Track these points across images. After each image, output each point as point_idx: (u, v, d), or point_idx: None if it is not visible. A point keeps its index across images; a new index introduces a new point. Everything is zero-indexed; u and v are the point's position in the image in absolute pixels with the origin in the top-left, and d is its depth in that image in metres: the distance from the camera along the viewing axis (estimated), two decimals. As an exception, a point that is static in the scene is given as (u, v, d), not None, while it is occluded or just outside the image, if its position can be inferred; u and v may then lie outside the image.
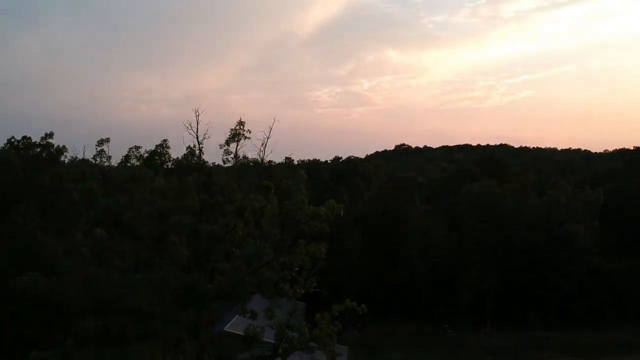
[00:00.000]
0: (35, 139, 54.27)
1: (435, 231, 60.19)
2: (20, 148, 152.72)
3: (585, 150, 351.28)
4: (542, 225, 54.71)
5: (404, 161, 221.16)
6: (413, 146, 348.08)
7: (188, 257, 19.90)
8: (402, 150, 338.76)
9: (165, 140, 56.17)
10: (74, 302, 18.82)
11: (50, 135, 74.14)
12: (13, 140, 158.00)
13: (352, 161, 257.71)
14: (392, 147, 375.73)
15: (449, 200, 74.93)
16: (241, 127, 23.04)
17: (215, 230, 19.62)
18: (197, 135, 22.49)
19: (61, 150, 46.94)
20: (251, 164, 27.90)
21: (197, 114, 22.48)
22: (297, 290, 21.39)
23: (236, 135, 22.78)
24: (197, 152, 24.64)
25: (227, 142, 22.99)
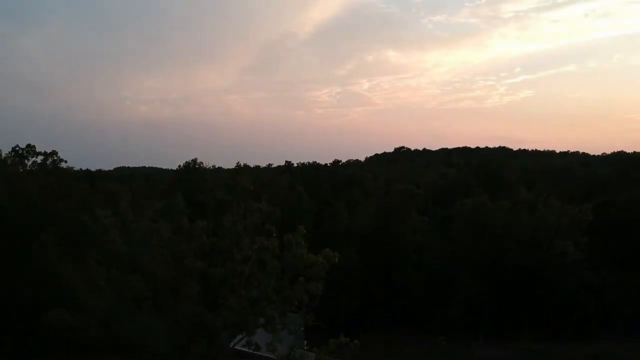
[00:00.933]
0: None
1: (429, 245, 62.35)
2: (25, 156, 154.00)
3: (584, 153, 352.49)
4: (533, 242, 56.87)
5: (403, 166, 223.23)
6: (412, 149, 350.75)
7: (198, 296, 22.01)
8: (402, 153, 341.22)
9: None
10: (96, 338, 20.90)
11: (56, 154, 76.90)
12: (17, 148, 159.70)
13: (351, 166, 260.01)
14: (391, 150, 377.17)
15: (444, 212, 77.34)
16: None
17: (224, 274, 21.71)
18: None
19: (71, 173, 48.91)
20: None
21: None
22: (297, 326, 23.43)
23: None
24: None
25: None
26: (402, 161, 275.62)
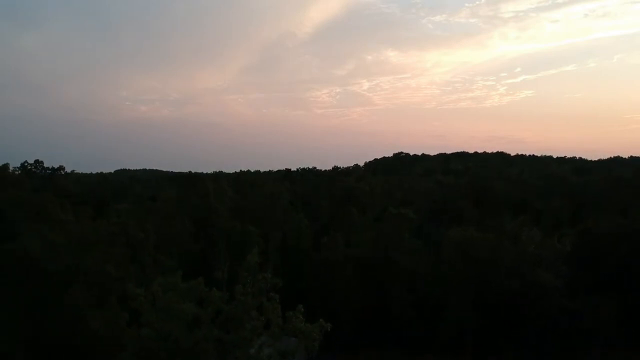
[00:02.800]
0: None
1: (422, 270, 67.06)
2: (34, 172, 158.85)
3: (580, 158, 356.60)
4: (515, 271, 61.54)
5: (401, 173, 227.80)
6: (411, 153, 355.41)
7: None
8: (400, 158, 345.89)
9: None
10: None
11: (62, 169, 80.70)
12: (26, 164, 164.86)
13: (350, 173, 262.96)
14: (390, 154, 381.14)
15: (437, 233, 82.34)
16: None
17: (236, 340, 26.34)
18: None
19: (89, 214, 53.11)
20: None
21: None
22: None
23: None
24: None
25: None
26: (400, 168, 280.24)
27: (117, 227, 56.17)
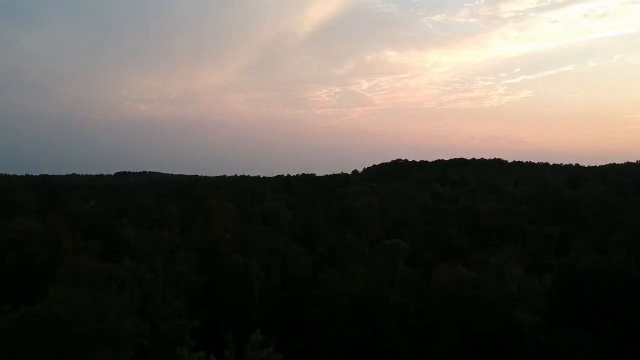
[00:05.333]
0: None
1: (411, 305, 71.80)
2: (39, 187, 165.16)
3: (577, 165, 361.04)
4: (498, 310, 66.23)
5: (399, 180, 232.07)
6: (410, 159, 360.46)
7: None
8: (399, 165, 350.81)
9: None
10: None
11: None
12: (30, 175, 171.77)
13: (349, 183, 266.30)
14: (389, 160, 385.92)
15: (429, 258, 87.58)
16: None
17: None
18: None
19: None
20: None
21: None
22: None
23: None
24: None
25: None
26: (398, 176, 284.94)
27: (130, 272, 60.97)
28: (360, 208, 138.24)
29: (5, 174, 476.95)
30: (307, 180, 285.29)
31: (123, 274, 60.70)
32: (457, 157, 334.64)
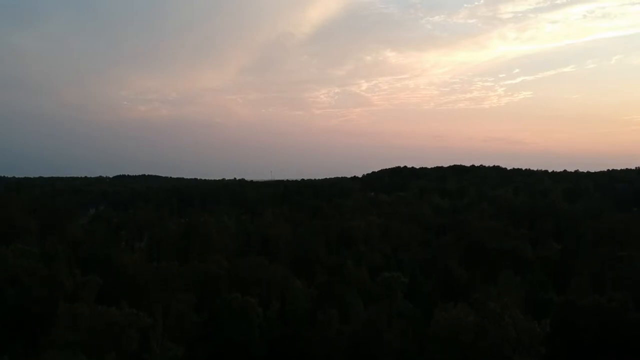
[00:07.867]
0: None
1: (410, 351, 72.02)
2: (39, 201, 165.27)
3: (576, 171, 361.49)
4: (497, 355, 66.35)
5: (400, 195, 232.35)
6: (409, 165, 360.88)
7: None
8: (398, 172, 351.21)
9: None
10: None
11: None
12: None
13: (347, 192, 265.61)
14: (387, 167, 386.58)
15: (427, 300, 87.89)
16: None
17: None
18: None
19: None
20: None
21: None
22: None
23: None
24: None
25: None
26: (397, 184, 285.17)
27: (130, 317, 61.23)
28: (359, 228, 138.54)
29: (4, 176, 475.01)
30: (306, 188, 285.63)
31: (121, 321, 60.89)
32: (456, 159, 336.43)
